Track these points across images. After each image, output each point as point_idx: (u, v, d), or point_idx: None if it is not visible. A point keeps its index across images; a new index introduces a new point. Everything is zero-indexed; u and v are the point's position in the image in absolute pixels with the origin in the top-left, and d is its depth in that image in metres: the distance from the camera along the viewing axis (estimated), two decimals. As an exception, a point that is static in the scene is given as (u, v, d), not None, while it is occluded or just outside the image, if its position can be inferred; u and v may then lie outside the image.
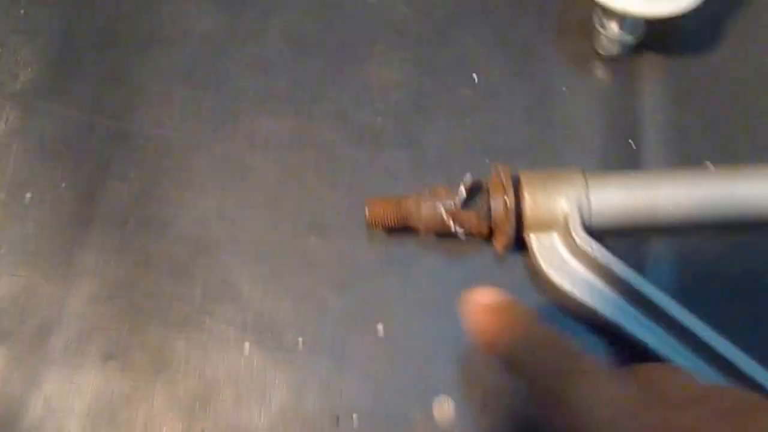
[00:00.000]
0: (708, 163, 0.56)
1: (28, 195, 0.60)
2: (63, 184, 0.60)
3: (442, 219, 0.52)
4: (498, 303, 0.45)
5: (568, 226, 0.51)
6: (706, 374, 0.48)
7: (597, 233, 0.52)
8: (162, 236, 0.58)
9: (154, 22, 0.66)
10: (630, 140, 0.58)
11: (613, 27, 0.58)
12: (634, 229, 0.53)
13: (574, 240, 0.50)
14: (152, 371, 0.54)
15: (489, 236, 0.54)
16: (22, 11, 0.67)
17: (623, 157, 0.58)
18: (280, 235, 0.57)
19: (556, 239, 0.52)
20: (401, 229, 0.55)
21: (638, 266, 0.53)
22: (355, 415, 0.53)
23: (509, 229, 0.51)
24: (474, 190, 0.52)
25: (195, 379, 0.54)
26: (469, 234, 0.53)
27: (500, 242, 0.53)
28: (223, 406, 0.53)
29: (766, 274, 0.54)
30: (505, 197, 0.51)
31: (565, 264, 0.52)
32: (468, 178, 0.51)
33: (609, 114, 0.59)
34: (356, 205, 0.56)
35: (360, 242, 0.56)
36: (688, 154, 0.58)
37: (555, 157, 0.58)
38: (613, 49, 0.59)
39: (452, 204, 0.52)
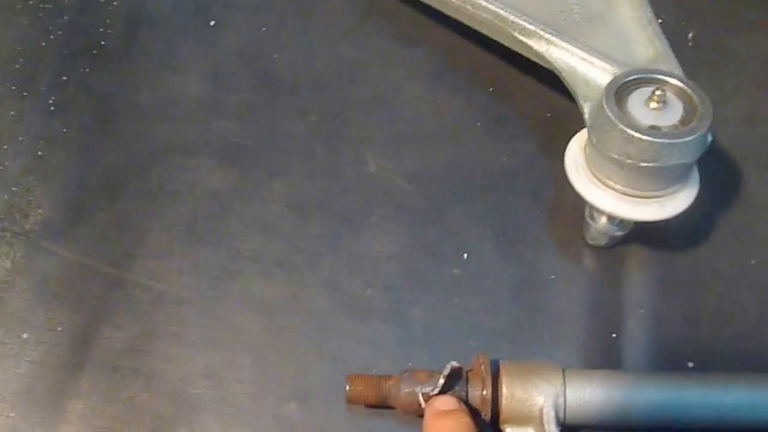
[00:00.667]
0: (690, 363, 0.57)
1: (26, 335, 0.60)
2: (59, 327, 0.60)
3: (420, 404, 0.52)
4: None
5: (542, 423, 0.51)
6: None
7: (573, 426, 0.52)
8: (148, 389, 0.58)
9: (163, 174, 0.67)
10: (613, 333, 0.58)
11: (603, 220, 0.59)
12: (611, 428, 0.53)
13: (545, 437, 0.51)
14: None
15: (465, 423, 0.54)
16: (39, 153, 0.69)
17: (605, 349, 0.58)
18: (263, 398, 0.57)
19: (530, 432, 0.52)
20: (381, 405, 0.55)
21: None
22: None
23: (485, 419, 0.52)
24: (454, 378, 0.52)
25: None
26: (445, 420, 0.53)
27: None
28: None
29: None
30: (484, 389, 0.52)
31: (535, 460, 0.52)
32: (448, 369, 0.52)
33: (594, 304, 0.60)
34: (339, 375, 0.56)
35: (339, 413, 0.56)
36: (670, 351, 0.58)
37: (538, 343, 0.59)
38: (602, 241, 0.60)
39: (430, 390, 0.52)
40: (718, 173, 0.65)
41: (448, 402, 0.52)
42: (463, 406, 0.51)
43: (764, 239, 0.63)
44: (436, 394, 0.52)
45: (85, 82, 0.73)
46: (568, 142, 0.59)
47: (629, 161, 0.51)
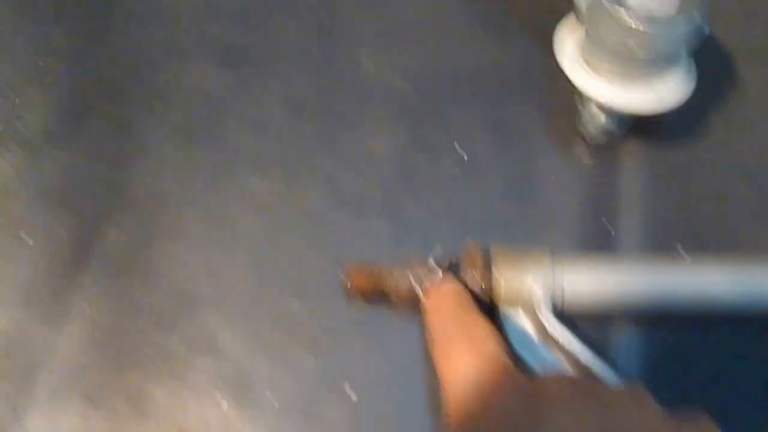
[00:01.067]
0: (681, 251, 0.57)
1: (29, 239, 0.61)
2: (62, 230, 0.61)
3: (416, 293, 0.53)
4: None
5: (535, 307, 0.52)
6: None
7: (565, 312, 0.53)
8: (151, 287, 0.59)
9: (160, 79, 0.68)
10: (607, 224, 0.59)
11: (599, 115, 0.59)
12: (602, 314, 0.54)
13: (540, 321, 0.51)
14: (131, 418, 0.55)
15: (460, 309, 0.55)
16: (40, 63, 0.69)
17: (599, 239, 0.59)
18: (263, 294, 0.58)
19: (523, 317, 0.53)
20: (377, 295, 0.56)
21: (605, 349, 0.55)
22: (323, 477, 0.54)
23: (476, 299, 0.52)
24: (447, 262, 0.53)
25: (171, 430, 0.55)
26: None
27: (470, 317, 0.54)
28: (196, 459, 0.55)
29: (732, 367, 0.55)
30: (476, 273, 0.52)
31: (531, 343, 0.52)
32: (438, 250, 0.53)
33: (589, 197, 0.60)
34: (337, 270, 0.57)
35: (338, 306, 0.57)
36: (662, 240, 0.59)
37: (533, 235, 0.59)
38: (597, 136, 0.60)
39: (424, 277, 0.53)
40: (714, 68, 0.65)
41: (449, 279, 0.53)
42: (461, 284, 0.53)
43: (757, 132, 0.63)
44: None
45: (83, -10, 0.73)
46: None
47: (626, 51, 0.51)
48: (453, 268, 0.53)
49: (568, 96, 0.61)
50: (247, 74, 0.67)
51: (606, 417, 0.37)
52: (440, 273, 0.53)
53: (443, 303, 0.51)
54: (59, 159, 0.64)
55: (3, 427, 0.55)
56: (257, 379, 0.56)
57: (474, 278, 0.53)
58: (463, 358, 0.46)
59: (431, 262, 0.53)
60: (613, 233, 0.59)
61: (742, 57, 0.66)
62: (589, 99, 0.57)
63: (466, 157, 0.62)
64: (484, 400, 0.42)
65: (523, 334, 0.53)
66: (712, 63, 0.64)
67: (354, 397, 0.55)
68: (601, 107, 0.57)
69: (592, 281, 0.52)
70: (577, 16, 0.58)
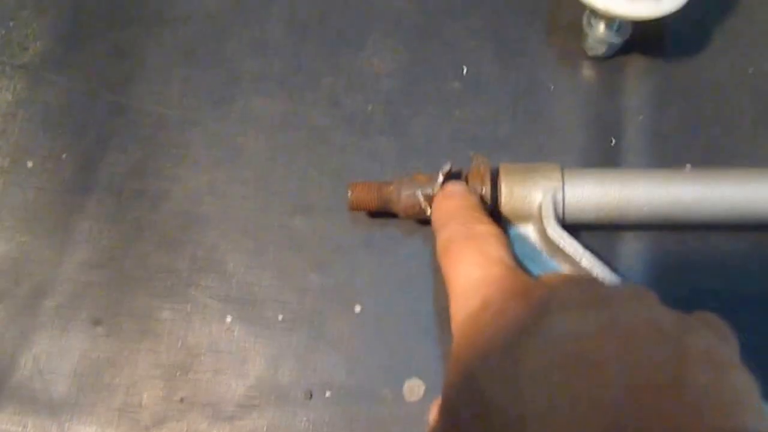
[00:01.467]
0: (687, 165, 0.57)
1: (30, 163, 0.61)
2: (64, 154, 0.61)
3: (420, 205, 0.53)
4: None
5: (542, 219, 0.52)
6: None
7: (572, 227, 0.53)
8: (155, 209, 0.59)
9: (160, 0, 0.67)
10: (612, 138, 0.59)
11: (600, 27, 0.58)
12: (608, 225, 0.54)
13: (546, 232, 0.51)
14: (137, 338, 0.56)
15: (466, 223, 0.55)
16: (34, -16, 0.68)
17: (604, 154, 0.59)
18: (267, 213, 0.59)
19: (530, 230, 0.53)
20: (383, 212, 0.56)
21: (611, 260, 0.55)
22: (328, 391, 0.54)
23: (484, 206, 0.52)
24: (452, 177, 0.53)
25: (177, 347, 0.56)
26: (446, 220, 0.54)
27: (476, 229, 0.54)
28: (202, 375, 0.55)
29: (737, 276, 0.55)
30: (483, 186, 0.52)
31: (538, 254, 0.53)
32: (446, 166, 0.52)
33: (592, 112, 0.60)
34: (342, 187, 0.57)
35: (343, 224, 0.58)
36: (667, 155, 0.59)
37: (537, 151, 0.59)
38: (600, 49, 0.60)
39: (431, 191, 0.53)
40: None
41: (457, 185, 0.53)
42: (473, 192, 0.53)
43: (761, 47, 0.62)
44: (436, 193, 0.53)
45: None
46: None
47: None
48: (454, 176, 0.54)
49: (570, 11, 0.61)
50: (249, -6, 0.67)
51: (609, 313, 0.37)
52: (441, 179, 0.53)
53: (448, 203, 0.51)
54: (58, 82, 0.64)
55: (11, 349, 0.56)
56: (262, 295, 0.56)
57: (478, 189, 0.53)
58: (468, 258, 0.46)
59: (440, 177, 0.53)
60: (617, 147, 0.59)
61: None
62: (588, 8, 0.56)
63: (469, 74, 0.62)
64: (487, 299, 0.42)
65: (528, 245, 0.53)
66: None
67: (360, 312, 0.56)
68: (600, 15, 0.57)
69: (599, 193, 0.52)
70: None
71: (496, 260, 0.45)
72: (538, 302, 0.39)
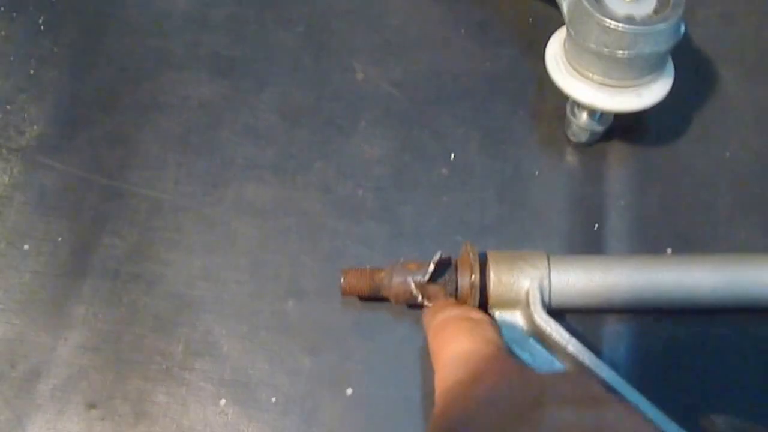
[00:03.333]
0: (668, 249, 0.60)
1: (26, 246, 0.63)
2: (59, 238, 0.63)
3: (411, 292, 0.55)
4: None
5: (529, 306, 0.54)
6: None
7: (558, 310, 0.55)
8: (149, 292, 0.61)
9: (155, 88, 0.69)
10: (595, 224, 0.62)
11: (583, 117, 0.61)
12: (593, 310, 0.56)
13: (534, 319, 0.54)
14: (132, 422, 0.57)
15: (456, 309, 0.57)
16: (31, 71, 0.70)
17: (588, 239, 0.61)
18: (260, 297, 0.60)
19: (518, 317, 0.55)
20: (374, 297, 0.58)
21: (596, 344, 0.57)
22: (322, 475, 0.56)
23: (474, 304, 0.54)
24: (443, 266, 0.56)
25: (172, 430, 0.57)
26: (435, 306, 0.56)
27: (465, 316, 0.56)
28: (197, 459, 0.56)
29: (718, 360, 0.57)
30: (472, 275, 0.54)
31: (525, 340, 0.55)
32: (437, 256, 0.55)
33: (576, 198, 0.63)
34: (333, 272, 0.59)
35: (335, 308, 0.60)
36: (649, 240, 0.61)
37: (523, 237, 0.62)
38: (583, 137, 0.63)
39: (421, 278, 0.55)
40: (694, 71, 0.68)
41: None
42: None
43: (737, 133, 0.65)
44: (427, 281, 0.55)
45: (73, 1, 0.74)
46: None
47: (606, 51, 0.54)
48: (444, 264, 0.56)
49: (554, 100, 0.64)
50: (241, 83, 0.69)
51: (600, 413, 0.39)
52: (431, 268, 0.55)
53: (442, 304, 0.54)
54: (54, 167, 0.66)
55: (6, 432, 0.57)
56: (256, 379, 0.58)
57: (467, 277, 0.55)
58: (461, 335, 0.48)
59: (431, 266, 0.55)
60: (600, 232, 0.61)
61: (719, 58, 0.69)
62: (573, 100, 0.59)
63: (457, 161, 0.65)
64: (478, 373, 0.44)
65: (516, 331, 0.55)
66: (691, 66, 0.67)
67: (351, 395, 0.57)
68: (583, 106, 0.60)
69: (583, 280, 0.55)
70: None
71: (490, 340, 0.47)
72: (536, 391, 0.41)
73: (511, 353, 0.48)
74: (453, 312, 0.51)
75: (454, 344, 0.48)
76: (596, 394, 0.41)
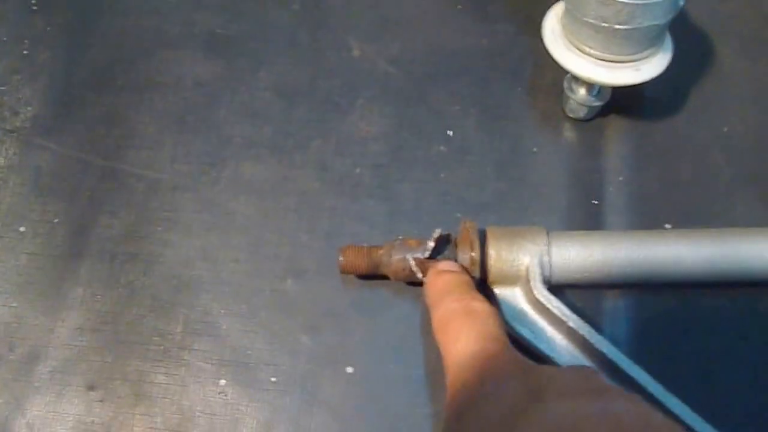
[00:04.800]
0: (667, 225, 0.60)
1: (22, 228, 0.63)
2: (56, 219, 0.63)
3: (411, 268, 0.56)
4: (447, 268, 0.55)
5: (529, 281, 0.54)
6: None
7: (558, 286, 0.56)
8: (147, 273, 0.61)
9: (150, 67, 0.70)
10: (594, 200, 0.62)
11: (581, 92, 0.62)
12: (593, 285, 0.57)
13: (534, 294, 0.54)
14: (132, 402, 0.57)
15: (455, 286, 0.57)
16: (25, 52, 0.71)
17: (587, 215, 0.61)
18: (259, 276, 0.61)
19: (518, 293, 0.56)
20: (373, 275, 0.58)
21: (596, 318, 0.57)
22: (321, 453, 0.56)
23: (473, 279, 0.55)
24: (442, 243, 0.56)
25: (172, 411, 0.57)
26: (435, 282, 0.56)
27: (465, 292, 0.56)
28: (197, 438, 0.57)
29: (717, 333, 0.58)
30: (472, 251, 0.55)
31: (526, 316, 0.55)
32: (437, 232, 0.55)
33: (575, 174, 0.63)
34: (332, 251, 0.59)
35: (334, 286, 0.60)
36: (648, 215, 0.61)
37: (522, 213, 0.62)
38: (581, 112, 0.63)
39: (420, 255, 0.55)
40: (692, 47, 0.68)
41: (449, 263, 0.55)
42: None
43: (735, 107, 0.66)
44: (427, 258, 0.55)
45: (66, -21, 0.75)
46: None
47: (604, 24, 0.54)
48: (443, 240, 0.56)
49: (552, 76, 0.65)
50: (237, 61, 0.69)
51: (602, 403, 0.39)
52: (431, 244, 0.55)
53: (443, 279, 0.53)
54: (50, 148, 0.66)
55: (5, 415, 0.57)
56: (255, 358, 0.58)
57: (467, 253, 0.55)
58: (465, 333, 0.48)
59: (430, 243, 0.55)
60: (599, 208, 0.62)
61: (717, 33, 0.69)
62: (571, 74, 0.59)
63: (455, 138, 0.65)
64: (484, 374, 0.44)
65: (516, 307, 0.55)
66: (688, 41, 0.67)
67: (352, 374, 0.57)
68: (582, 81, 0.60)
69: (583, 255, 0.55)
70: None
71: (494, 337, 0.47)
72: (535, 385, 0.42)
73: (513, 348, 0.48)
74: (454, 305, 0.51)
75: (459, 345, 0.48)
76: (599, 386, 0.41)
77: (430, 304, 0.53)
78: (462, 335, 0.48)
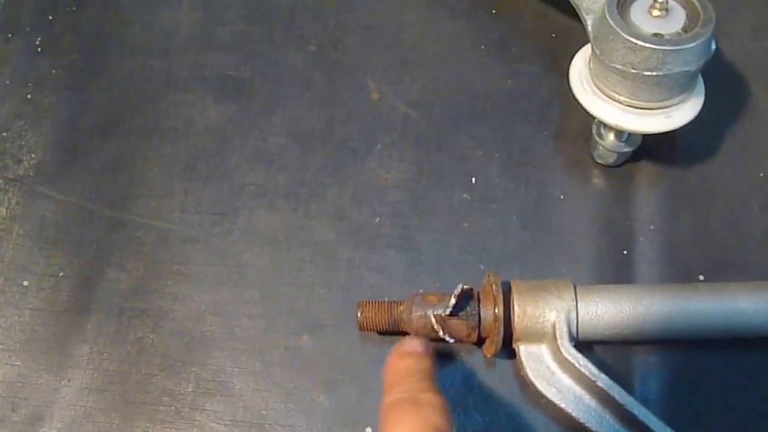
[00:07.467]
0: (701, 277, 0.61)
1: (26, 282, 0.65)
2: (61, 273, 0.65)
3: (432, 326, 0.57)
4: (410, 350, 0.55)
5: (555, 338, 0.55)
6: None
7: (586, 343, 0.57)
8: (156, 329, 0.62)
9: (159, 112, 0.71)
10: (623, 250, 0.63)
11: (611, 137, 0.63)
12: (622, 342, 0.58)
13: (561, 352, 0.55)
14: (141, 466, 0.59)
15: (478, 342, 0.59)
16: (28, 96, 0.73)
17: (616, 266, 0.63)
18: (274, 332, 0.62)
19: (544, 350, 0.57)
20: (393, 331, 0.59)
21: (627, 376, 0.58)
22: None
23: (498, 338, 0.56)
24: (464, 298, 0.57)
25: (184, 474, 0.58)
26: (458, 340, 0.58)
27: (489, 350, 0.58)
28: (211, 504, 0.58)
29: (752, 391, 0.58)
30: (495, 308, 0.56)
31: (553, 375, 0.56)
32: (459, 288, 0.56)
33: (604, 222, 0.64)
34: (350, 305, 0.60)
35: (352, 343, 0.61)
36: (680, 265, 0.63)
37: (549, 264, 0.63)
38: (610, 158, 0.64)
39: (442, 312, 0.57)
40: (724, 87, 0.69)
41: (415, 343, 0.55)
42: (430, 351, 0.55)
43: (769, 148, 0.67)
44: (449, 315, 0.56)
45: (72, 21, 0.76)
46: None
47: (633, 71, 0.55)
48: (465, 295, 0.57)
49: (579, 120, 0.66)
50: (249, 105, 0.71)
51: None
52: (453, 301, 0.56)
53: (401, 365, 0.54)
54: (54, 197, 0.68)
55: (9, 478, 0.58)
56: (270, 419, 0.59)
57: (490, 310, 0.56)
58: (407, 422, 0.49)
59: (452, 300, 0.56)
60: (629, 259, 0.63)
61: (750, 73, 0.71)
62: (598, 120, 0.61)
63: (478, 185, 0.66)
64: None
65: (542, 364, 0.56)
66: (722, 82, 0.68)
67: (370, 434, 0.59)
68: (611, 127, 0.61)
69: (612, 311, 0.56)
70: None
71: (436, 428, 0.48)
72: None
73: None
74: (403, 395, 0.52)
75: (400, 426, 0.49)
76: None
77: (384, 387, 0.53)
78: (402, 423, 0.49)
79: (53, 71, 0.74)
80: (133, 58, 0.74)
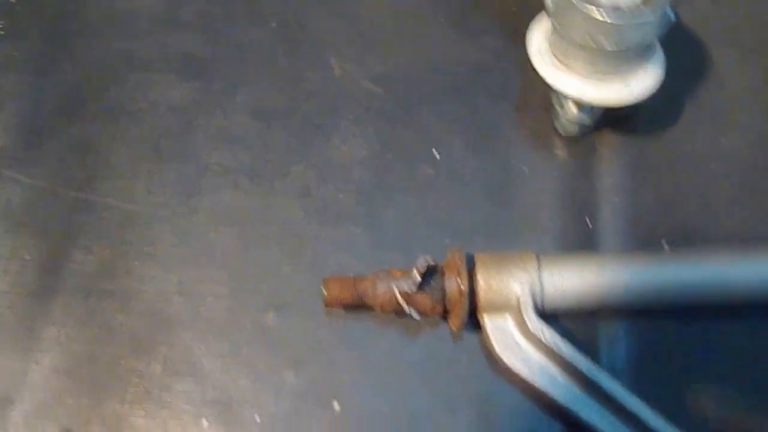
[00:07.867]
0: (664, 243, 0.62)
1: (-9, 266, 0.65)
2: (27, 255, 0.65)
3: (397, 300, 0.57)
4: None
5: (520, 310, 0.56)
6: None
7: (552, 313, 0.57)
8: (124, 310, 0.63)
9: (122, 93, 0.71)
10: (587, 220, 0.64)
11: (572, 108, 0.63)
12: (588, 311, 0.58)
13: (526, 324, 0.56)
14: (111, 446, 0.59)
15: (444, 316, 0.59)
16: (-9, 79, 0.73)
17: (580, 236, 0.63)
18: (240, 311, 0.62)
19: (509, 321, 0.57)
20: (358, 307, 0.60)
21: (592, 346, 0.59)
22: (309, 493, 0.58)
23: (462, 311, 0.57)
24: (429, 272, 0.58)
25: (153, 454, 0.59)
26: (423, 314, 0.58)
27: (454, 323, 0.58)
28: (179, 483, 0.58)
29: (717, 358, 0.59)
30: (459, 280, 0.57)
31: (518, 346, 0.57)
32: (422, 262, 0.57)
33: (567, 193, 0.65)
34: (316, 282, 0.61)
35: (318, 319, 0.61)
36: (644, 234, 0.63)
37: (514, 236, 0.64)
38: (572, 130, 0.65)
39: (407, 287, 0.57)
40: (684, 55, 0.70)
41: None
42: None
43: (732, 117, 0.68)
44: (413, 290, 0.57)
45: (34, 4, 0.76)
46: (531, 32, 0.64)
47: (593, 45, 0.56)
48: (431, 272, 0.58)
49: (541, 92, 0.66)
50: (212, 84, 0.71)
51: None
52: (418, 278, 0.57)
53: None
54: (19, 180, 0.68)
55: (-22, 463, 0.59)
56: (239, 397, 0.59)
57: (455, 283, 0.57)
58: None
59: (416, 273, 0.57)
60: (593, 229, 0.63)
61: (711, 41, 0.71)
62: (560, 93, 0.61)
63: (442, 160, 0.67)
64: None
65: (507, 336, 0.57)
66: (682, 49, 0.69)
67: (339, 411, 0.59)
68: (573, 101, 0.62)
69: (576, 281, 0.57)
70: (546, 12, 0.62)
71: None
72: None
73: None
74: None
75: None
76: None
77: None
78: None
79: (15, 54, 0.74)
80: (96, 39, 0.74)
